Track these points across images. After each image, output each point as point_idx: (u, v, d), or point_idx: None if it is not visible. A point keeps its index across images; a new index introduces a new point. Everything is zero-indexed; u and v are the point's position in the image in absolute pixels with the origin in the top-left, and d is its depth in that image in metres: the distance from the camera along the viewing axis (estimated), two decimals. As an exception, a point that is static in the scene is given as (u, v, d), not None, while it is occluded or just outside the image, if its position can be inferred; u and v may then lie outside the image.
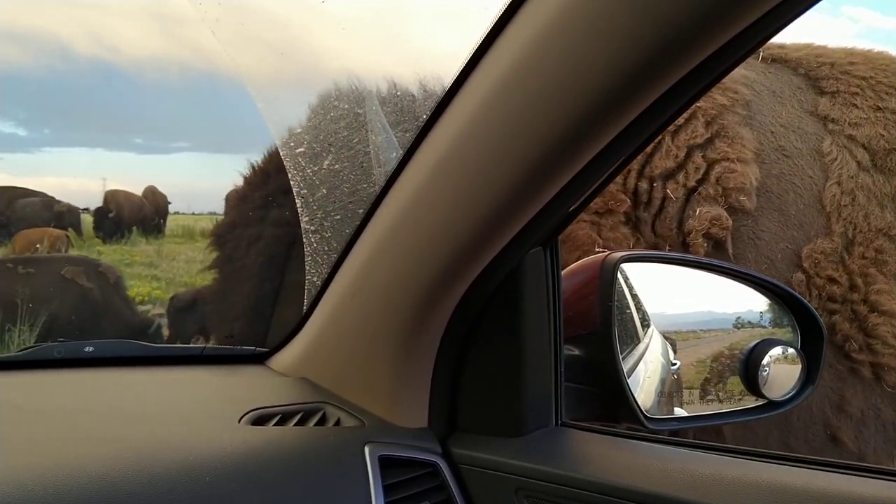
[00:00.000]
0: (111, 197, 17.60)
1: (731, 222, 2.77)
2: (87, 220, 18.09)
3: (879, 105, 3.00)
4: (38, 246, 12.16)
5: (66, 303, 7.51)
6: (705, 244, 2.74)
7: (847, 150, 2.92)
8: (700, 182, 2.82)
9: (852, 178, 2.89)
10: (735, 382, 1.52)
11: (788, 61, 3.15)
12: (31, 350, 1.56)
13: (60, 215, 16.30)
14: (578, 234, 2.72)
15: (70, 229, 15.03)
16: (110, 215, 17.45)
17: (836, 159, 2.91)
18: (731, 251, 2.77)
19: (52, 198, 17.10)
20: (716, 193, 2.80)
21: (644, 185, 2.84)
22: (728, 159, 2.80)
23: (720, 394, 1.55)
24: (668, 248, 2.81)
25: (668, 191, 2.82)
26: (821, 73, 3.10)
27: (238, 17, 1.37)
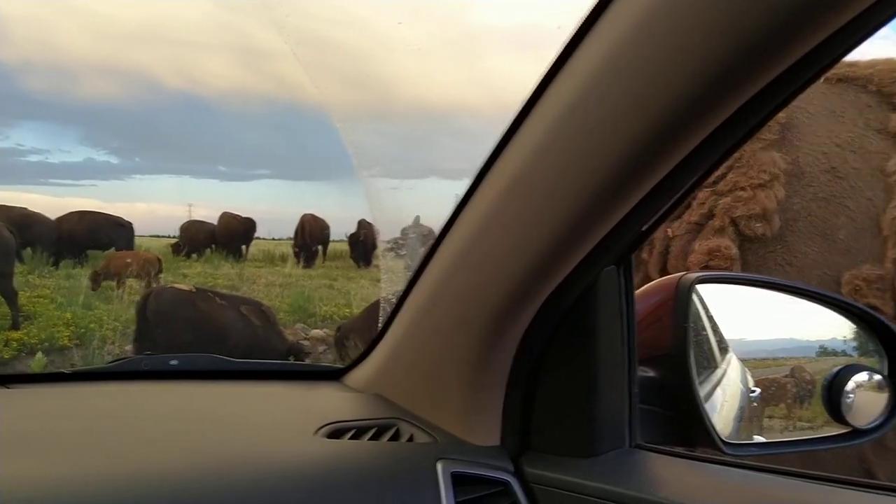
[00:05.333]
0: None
1: (734, 251, 2.68)
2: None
3: None
4: (131, 268, 12.79)
5: (239, 332, 8.85)
6: (708, 277, 2.67)
7: None
8: (708, 217, 2.75)
9: None
10: (819, 410, 1.47)
11: (857, 79, 2.97)
12: (120, 362, 1.62)
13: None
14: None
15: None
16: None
17: None
18: (739, 281, 2.69)
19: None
20: (722, 224, 2.72)
21: None
22: (740, 188, 2.71)
23: (803, 421, 1.51)
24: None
25: (668, 230, 2.75)
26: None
27: (318, 43, 1.41)
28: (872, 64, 3.02)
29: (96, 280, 13.13)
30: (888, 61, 3.03)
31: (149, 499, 0.97)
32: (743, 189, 2.72)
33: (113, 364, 1.64)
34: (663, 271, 2.79)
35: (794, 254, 2.74)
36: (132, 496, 0.97)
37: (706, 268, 2.64)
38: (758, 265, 2.71)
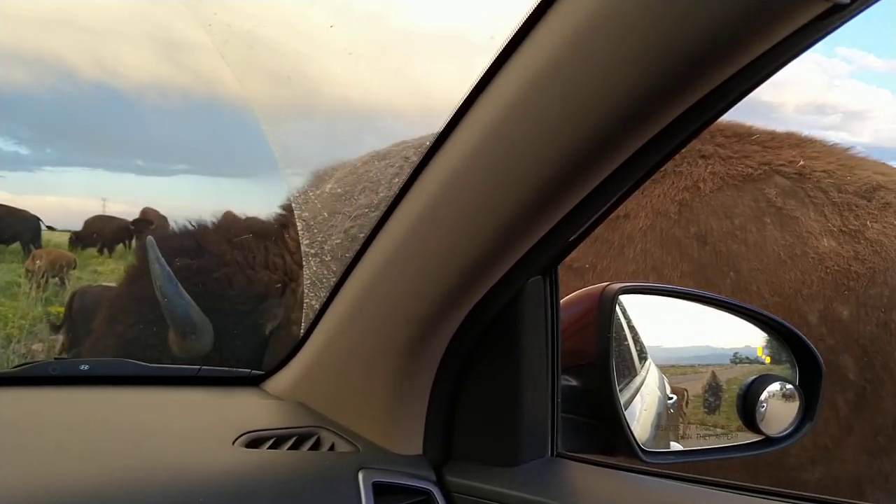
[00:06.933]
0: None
1: None
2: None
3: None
4: (38, 262, 12.45)
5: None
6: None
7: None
8: None
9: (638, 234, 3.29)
10: (733, 418, 1.51)
11: None
12: (26, 367, 1.55)
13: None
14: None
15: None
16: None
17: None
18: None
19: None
20: None
21: None
22: None
23: (718, 429, 1.54)
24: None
25: None
26: None
27: (247, 41, 1.38)
28: None
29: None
30: None
31: None
32: None
33: (18, 368, 1.56)
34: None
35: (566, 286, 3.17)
36: None
37: None
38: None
